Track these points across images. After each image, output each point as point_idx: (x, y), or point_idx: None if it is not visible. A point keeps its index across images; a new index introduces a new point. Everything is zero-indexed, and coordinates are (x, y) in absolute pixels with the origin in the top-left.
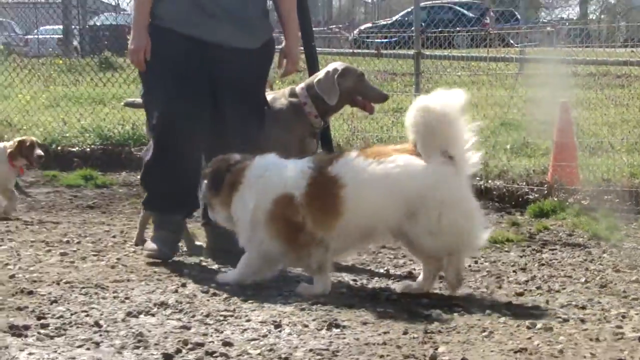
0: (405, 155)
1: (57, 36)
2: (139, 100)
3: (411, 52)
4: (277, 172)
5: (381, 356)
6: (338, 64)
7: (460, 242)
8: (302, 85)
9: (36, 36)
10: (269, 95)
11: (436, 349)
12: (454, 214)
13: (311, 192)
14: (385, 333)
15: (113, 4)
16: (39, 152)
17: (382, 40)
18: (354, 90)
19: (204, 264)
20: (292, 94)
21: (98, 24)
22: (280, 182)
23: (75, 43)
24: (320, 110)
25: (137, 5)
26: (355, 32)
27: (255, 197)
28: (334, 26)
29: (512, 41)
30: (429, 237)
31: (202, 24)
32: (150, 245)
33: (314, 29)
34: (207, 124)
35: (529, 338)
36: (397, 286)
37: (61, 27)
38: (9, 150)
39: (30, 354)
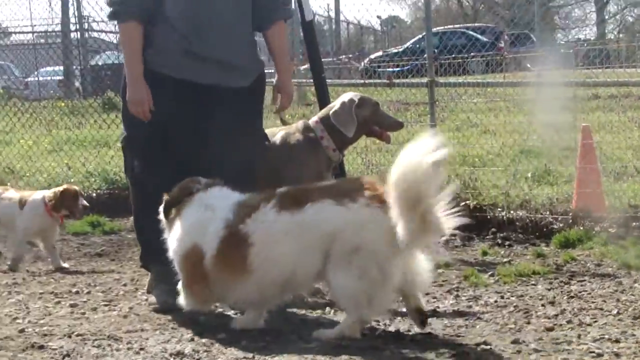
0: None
1: (58, 77)
2: None
3: (424, 80)
4: (201, 218)
5: None
6: (353, 94)
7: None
8: (316, 118)
9: (36, 78)
10: (281, 132)
11: None
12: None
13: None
14: None
15: (114, 42)
16: (83, 202)
17: (394, 69)
18: (370, 120)
19: (219, 309)
20: (307, 128)
21: (100, 63)
22: (197, 232)
23: (77, 84)
24: (337, 142)
25: (129, 56)
26: (365, 61)
27: (177, 236)
28: (343, 56)
29: (528, 65)
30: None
31: (194, 68)
32: (154, 298)
33: (322, 60)
34: (195, 168)
35: None
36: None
37: (62, 68)
38: (50, 202)
39: None
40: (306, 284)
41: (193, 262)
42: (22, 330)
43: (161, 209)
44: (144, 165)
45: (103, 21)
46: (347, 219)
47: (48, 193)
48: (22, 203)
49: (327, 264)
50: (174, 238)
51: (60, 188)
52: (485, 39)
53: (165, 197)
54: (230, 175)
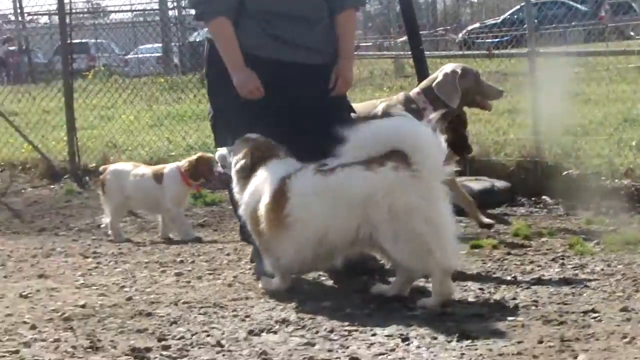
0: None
1: (156, 54)
2: None
3: (524, 50)
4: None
5: None
6: (455, 65)
7: (424, 252)
8: (417, 90)
9: (136, 55)
10: (382, 103)
11: (575, 357)
12: (411, 221)
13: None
14: (519, 343)
15: None
16: (219, 169)
17: (493, 40)
18: (472, 90)
19: (322, 278)
20: (408, 99)
21: (197, 39)
22: (261, 187)
23: (175, 60)
24: None
25: (225, 49)
26: (463, 32)
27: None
28: (440, 28)
29: (632, 33)
30: (389, 244)
31: (275, 47)
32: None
33: (420, 32)
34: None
35: None
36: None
37: (160, 45)
38: (186, 171)
39: None
40: (340, 250)
41: (256, 221)
42: (129, 298)
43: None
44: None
45: None
46: (376, 184)
47: (182, 163)
48: (157, 177)
49: (376, 236)
50: (244, 200)
51: (195, 156)
52: (585, 8)
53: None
54: (317, 147)
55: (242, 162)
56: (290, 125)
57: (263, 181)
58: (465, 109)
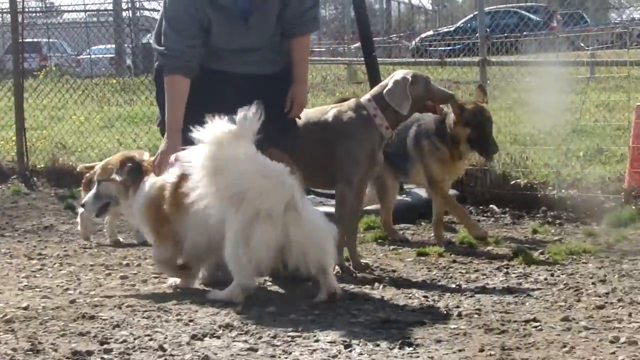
0: None
1: (109, 55)
2: None
3: (476, 59)
4: None
5: None
6: (405, 72)
7: None
8: (368, 96)
9: (88, 56)
10: (333, 109)
11: None
12: None
13: None
14: (460, 351)
15: None
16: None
17: (446, 48)
18: (423, 95)
19: (267, 284)
20: (359, 105)
21: (151, 41)
22: None
23: (128, 62)
24: (390, 120)
25: (172, 107)
26: (416, 40)
27: None
28: (394, 35)
29: (582, 44)
30: None
31: (238, 51)
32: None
33: (373, 38)
34: None
35: (613, 353)
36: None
37: (113, 46)
38: None
39: None
40: None
41: None
42: (73, 301)
43: None
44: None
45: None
46: None
47: None
48: None
49: None
50: None
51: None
52: (537, 18)
53: None
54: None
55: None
56: None
57: None
58: None
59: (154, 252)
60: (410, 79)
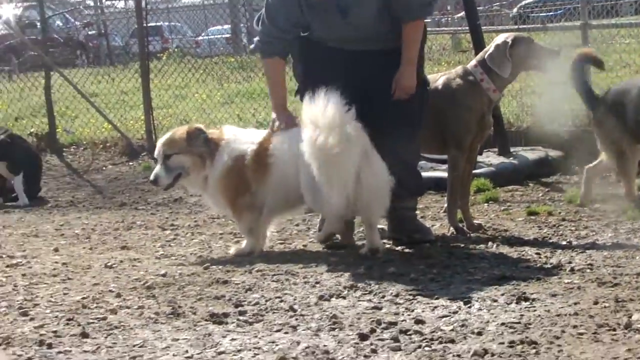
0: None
1: (226, 35)
2: None
3: (578, 23)
4: None
5: (574, 326)
6: (506, 36)
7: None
8: (474, 62)
9: (207, 37)
10: (443, 77)
11: (630, 317)
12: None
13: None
14: (575, 304)
15: None
16: None
17: (547, 13)
18: (527, 56)
19: (387, 246)
20: (466, 72)
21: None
22: None
23: (244, 40)
24: (496, 83)
25: (271, 87)
26: (517, 7)
27: None
28: (496, 4)
29: None
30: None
31: (341, 40)
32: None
33: (477, 7)
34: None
35: None
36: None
37: (229, 26)
38: None
39: (232, 339)
40: None
41: None
42: (206, 267)
43: None
44: None
45: None
46: None
47: None
48: None
49: None
50: None
51: None
52: None
53: None
54: (396, 119)
55: None
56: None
57: None
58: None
59: (239, 225)
60: (510, 42)
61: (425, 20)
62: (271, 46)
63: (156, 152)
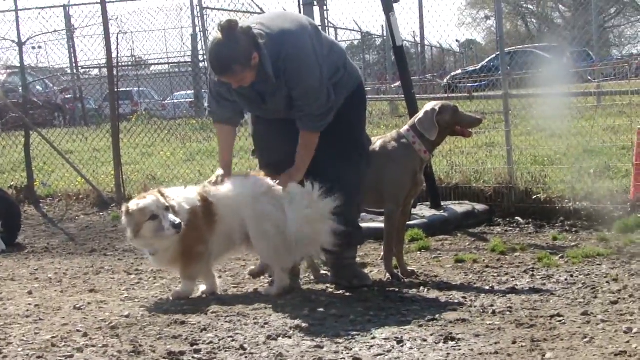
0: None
1: (189, 100)
2: None
3: (500, 93)
4: None
5: None
6: (434, 103)
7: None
8: (407, 127)
9: (172, 101)
10: (379, 140)
11: (544, 355)
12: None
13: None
14: (496, 343)
15: None
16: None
17: (473, 84)
18: (452, 122)
19: (329, 290)
20: (400, 135)
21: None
22: None
23: (205, 104)
24: (427, 145)
25: (219, 145)
26: (447, 78)
27: None
28: (429, 75)
29: (589, 77)
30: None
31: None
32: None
33: (411, 78)
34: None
35: (627, 342)
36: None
37: (192, 92)
38: None
39: None
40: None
41: None
42: (166, 309)
43: None
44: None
45: None
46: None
47: None
48: None
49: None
50: None
51: None
52: (550, 57)
53: None
54: (338, 180)
55: None
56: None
57: None
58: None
59: (185, 271)
60: (437, 109)
61: (367, 89)
62: (216, 115)
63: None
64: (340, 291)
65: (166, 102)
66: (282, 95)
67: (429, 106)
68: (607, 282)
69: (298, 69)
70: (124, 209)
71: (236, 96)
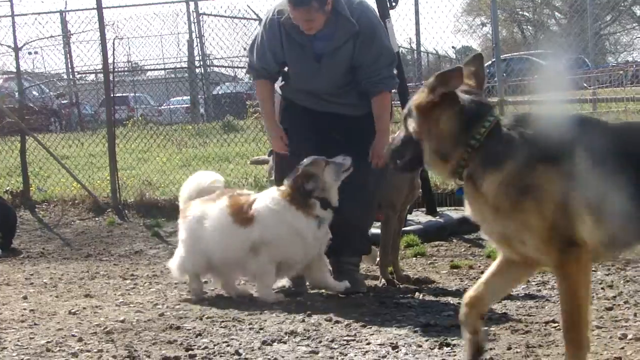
0: None
1: (185, 105)
2: (263, 157)
3: (495, 99)
4: None
5: None
6: None
7: None
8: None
9: (168, 106)
10: None
11: None
12: None
13: None
14: (491, 349)
15: (232, 75)
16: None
17: None
18: None
19: (325, 295)
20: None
21: (220, 92)
22: None
23: (201, 110)
24: None
25: (261, 107)
26: None
27: None
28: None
29: (585, 84)
30: None
31: (315, 102)
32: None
33: (407, 84)
34: None
35: (622, 348)
36: None
37: (188, 97)
38: None
39: None
40: None
41: None
42: (161, 314)
43: None
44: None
45: (222, 58)
46: None
47: None
48: None
49: None
50: None
51: None
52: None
53: None
54: (357, 187)
55: None
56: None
57: None
58: None
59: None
60: None
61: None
62: (258, 72)
63: None
64: (335, 296)
65: (162, 107)
66: (343, 57)
67: None
68: (602, 288)
69: (372, 24)
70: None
71: (288, 53)
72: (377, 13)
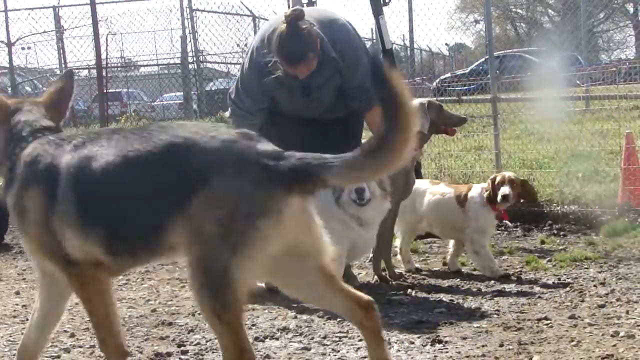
0: None
1: (178, 101)
2: None
3: (488, 96)
4: None
5: None
6: (421, 99)
7: None
8: None
9: (161, 102)
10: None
11: (531, 359)
12: None
13: None
14: (483, 346)
15: (225, 71)
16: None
17: (462, 88)
18: (437, 118)
19: None
20: None
21: (213, 88)
22: None
23: (194, 106)
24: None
25: None
26: (436, 81)
27: None
28: (417, 78)
29: (578, 82)
30: None
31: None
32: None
33: None
34: None
35: (614, 345)
36: None
37: (182, 93)
38: (486, 193)
39: None
40: None
41: None
42: (153, 310)
43: None
44: None
45: (215, 54)
46: None
47: (483, 185)
48: (460, 198)
49: None
50: None
51: (495, 176)
52: (538, 61)
53: None
54: None
55: None
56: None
57: None
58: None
59: None
60: (426, 103)
61: None
62: (244, 118)
63: None
64: None
65: (155, 103)
66: (332, 86)
67: (416, 102)
68: (595, 285)
69: (354, 52)
70: None
71: (280, 92)
72: (359, 37)
